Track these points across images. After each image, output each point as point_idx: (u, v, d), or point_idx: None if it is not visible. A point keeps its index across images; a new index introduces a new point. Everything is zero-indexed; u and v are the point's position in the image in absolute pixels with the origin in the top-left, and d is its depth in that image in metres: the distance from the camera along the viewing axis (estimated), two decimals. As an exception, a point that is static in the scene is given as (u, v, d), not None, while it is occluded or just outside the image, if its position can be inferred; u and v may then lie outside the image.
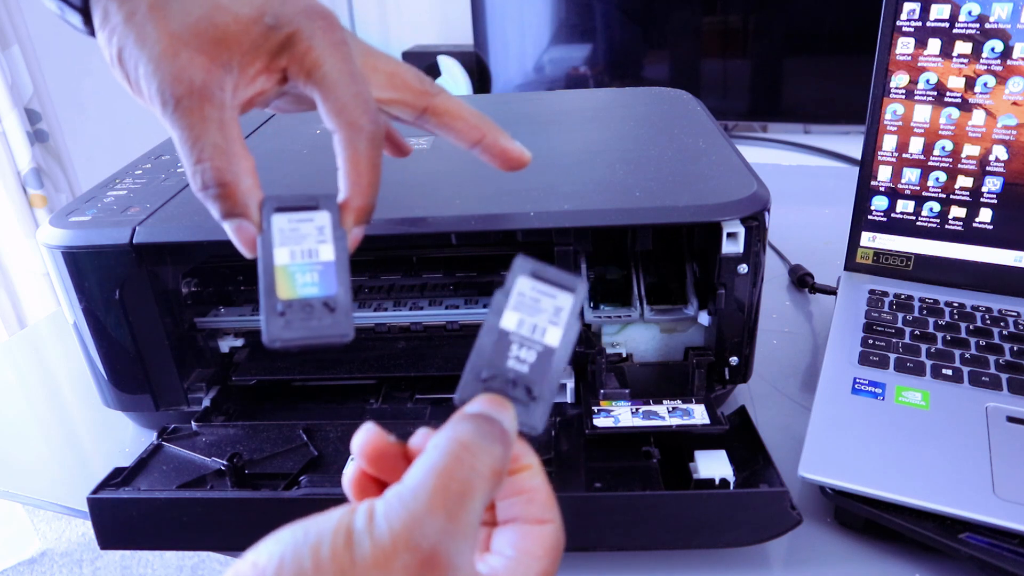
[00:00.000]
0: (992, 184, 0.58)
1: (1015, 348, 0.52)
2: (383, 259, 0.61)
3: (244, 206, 0.31)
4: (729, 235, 0.47)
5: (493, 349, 0.27)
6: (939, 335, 0.54)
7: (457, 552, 0.22)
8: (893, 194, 0.61)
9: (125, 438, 0.59)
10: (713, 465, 0.45)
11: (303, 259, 0.29)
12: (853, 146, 2.09)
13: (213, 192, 0.30)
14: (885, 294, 0.60)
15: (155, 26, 0.30)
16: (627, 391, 0.52)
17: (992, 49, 0.55)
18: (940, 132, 0.59)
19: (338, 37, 0.33)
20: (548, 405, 0.27)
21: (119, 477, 0.47)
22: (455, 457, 0.23)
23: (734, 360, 0.52)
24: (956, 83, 0.57)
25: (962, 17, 0.56)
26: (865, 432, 0.46)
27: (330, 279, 0.28)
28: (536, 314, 0.27)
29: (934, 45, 0.57)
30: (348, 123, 0.32)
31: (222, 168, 0.30)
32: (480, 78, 2.63)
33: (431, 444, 0.24)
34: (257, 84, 0.32)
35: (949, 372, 0.51)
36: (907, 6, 0.57)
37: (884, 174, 0.61)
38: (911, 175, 0.60)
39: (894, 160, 0.61)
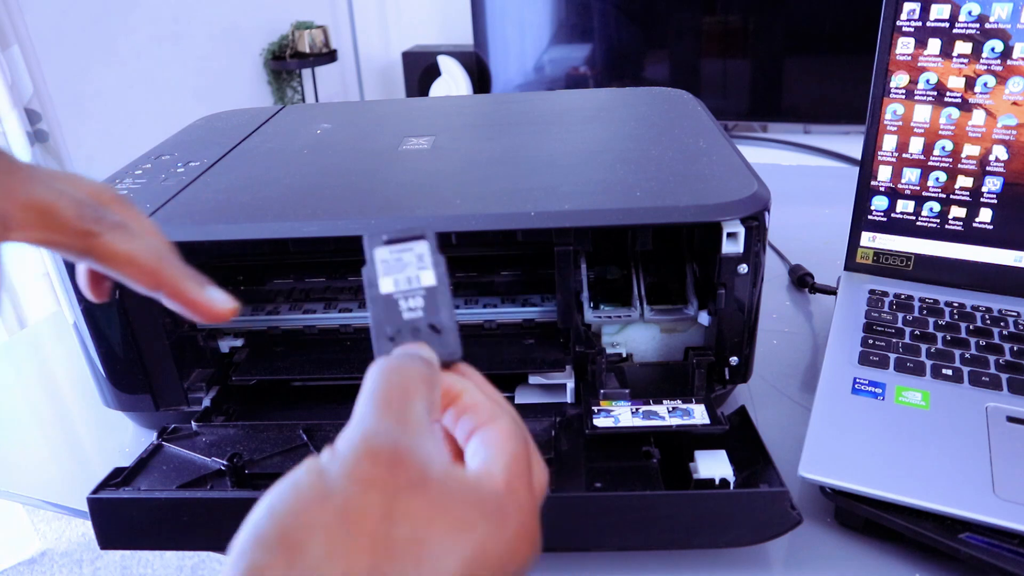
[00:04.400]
0: (992, 184, 0.58)
1: (1015, 348, 0.52)
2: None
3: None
4: (729, 235, 0.47)
5: (385, 312, 0.30)
6: (939, 335, 0.54)
7: (418, 445, 0.24)
8: (893, 194, 0.61)
9: (125, 438, 0.59)
10: (713, 465, 0.45)
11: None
12: (853, 146, 2.09)
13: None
14: (885, 294, 0.60)
15: None
16: (627, 391, 0.52)
17: (992, 49, 0.55)
18: (940, 132, 0.59)
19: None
20: (455, 330, 0.30)
21: (119, 477, 0.47)
22: (385, 377, 0.26)
23: (734, 360, 0.52)
24: (956, 83, 0.57)
25: (962, 17, 0.56)
26: (865, 432, 0.46)
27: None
28: (404, 269, 0.31)
29: (934, 45, 0.57)
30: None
31: None
32: (480, 78, 2.63)
33: (365, 378, 0.27)
34: None
35: (949, 372, 0.51)
36: (907, 6, 0.57)
37: (884, 174, 0.61)
38: (911, 175, 0.60)
39: (894, 160, 0.61)
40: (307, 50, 2.68)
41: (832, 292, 0.66)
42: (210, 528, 0.44)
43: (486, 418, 0.27)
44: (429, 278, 0.30)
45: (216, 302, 0.33)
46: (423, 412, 0.26)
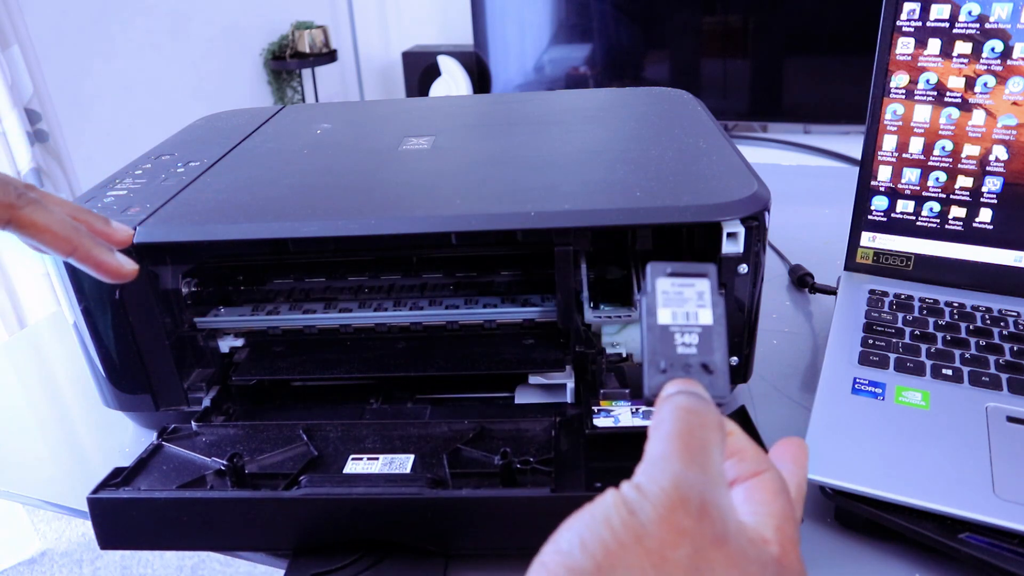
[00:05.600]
0: (992, 184, 0.58)
1: (1015, 348, 0.52)
2: (383, 259, 0.61)
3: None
4: (729, 235, 0.47)
5: (661, 343, 0.30)
6: (939, 335, 0.54)
7: (720, 496, 0.24)
8: (893, 194, 0.61)
9: (125, 438, 0.59)
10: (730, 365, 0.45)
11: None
12: (853, 146, 2.09)
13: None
14: (885, 294, 0.60)
15: None
16: (627, 391, 0.52)
17: (992, 49, 0.55)
18: (940, 132, 0.59)
19: None
20: (727, 373, 0.29)
21: (119, 477, 0.47)
22: (684, 421, 0.26)
23: (734, 360, 0.52)
24: (956, 83, 0.57)
25: (962, 17, 0.56)
26: (865, 432, 0.46)
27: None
28: (684, 303, 0.31)
29: (934, 45, 0.57)
30: None
31: None
32: (480, 78, 2.63)
33: (656, 420, 0.27)
34: None
35: (949, 372, 0.51)
36: (907, 6, 0.57)
37: (884, 174, 0.61)
38: (911, 175, 0.60)
39: (894, 160, 0.61)
40: (307, 50, 2.68)
41: (832, 292, 0.66)
42: (210, 528, 0.44)
43: (752, 468, 0.27)
44: (707, 316, 0.30)
45: (123, 264, 0.39)
46: (721, 462, 0.26)
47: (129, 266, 0.40)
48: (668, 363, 0.29)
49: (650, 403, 0.29)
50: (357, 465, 0.47)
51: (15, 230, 0.37)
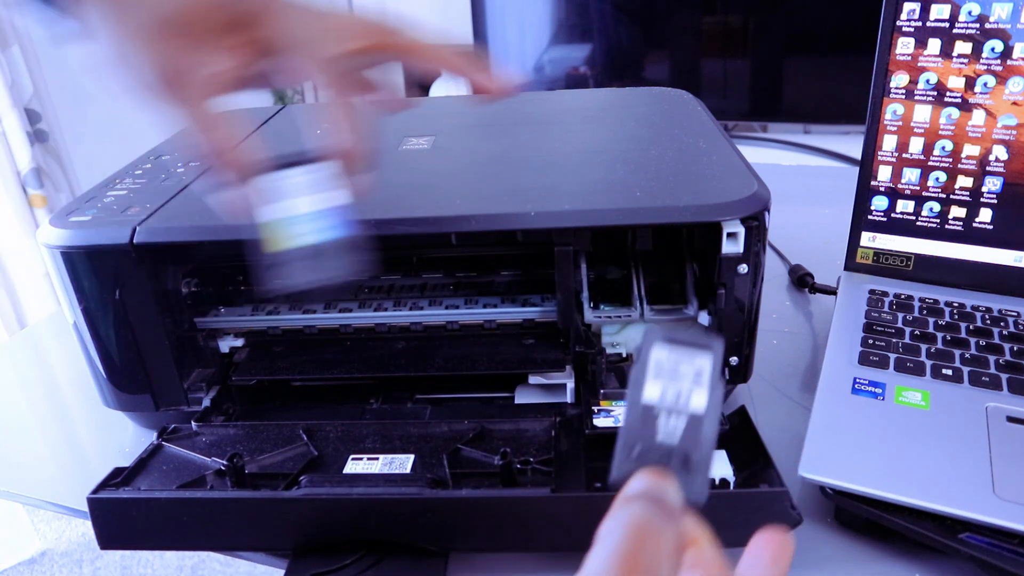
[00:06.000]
0: (992, 184, 0.58)
1: (1015, 348, 0.52)
2: (383, 259, 0.61)
3: (244, 169, 0.34)
4: (729, 235, 0.47)
5: (641, 423, 0.26)
6: (939, 335, 0.54)
7: None
8: (893, 194, 0.61)
9: (125, 438, 0.59)
10: (713, 465, 0.45)
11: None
12: (853, 146, 2.09)
13: (218, 161, 0.34)
14: (885, 294, 0.60)
15: (132, 22, 0.33)
16: (627, 391, 0.52)
17: (992, 49, 0.55)
18: (940, 132, 0.59)
19: (297, 4, 0.35)
20: (707, 473, 0.26)
21: (119, 477, 0.47)
22: (634, 540, 0.23)
23: (734, 360, 0.52)
24: (956, 83, 0.57)
25: (962, 17, 0.56)
26: (865, 432, 0.46)
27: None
28: (677, 381, 0.26)
29: (934, 45, 0.57)
30: (325, 77, 0.35)
31: (217, 139, 0.34)
32: (480, 78, 2.63)
33: (604, 531, 0.23)
34: (230, 60, 0.35)
35: (949, 372, 0.51)
36: (907, 6, 0.57)
37: (884, 174, 0.61)
38: (911, 175, 0.60)
39: (894, 160, 0.61)
40: (307, 50, 2.68)
41: (832, 292, 0.66)
42: (210, 528, 0.44)
43: None
44: (700, 401, 0.26)
45: (502, 80, 0.39)
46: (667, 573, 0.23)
47: (509, 81, 0.40)
48: (643, 449, 0.26)
49: (616, 488, 0.25)
50: (357, 465, 0.47)
51: (399, 54, 0.39)
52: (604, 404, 0.50)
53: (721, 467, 0.45)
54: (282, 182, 0.32)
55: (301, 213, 0.31)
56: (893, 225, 0.62)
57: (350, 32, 0.38)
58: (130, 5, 0.33)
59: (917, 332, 0.55)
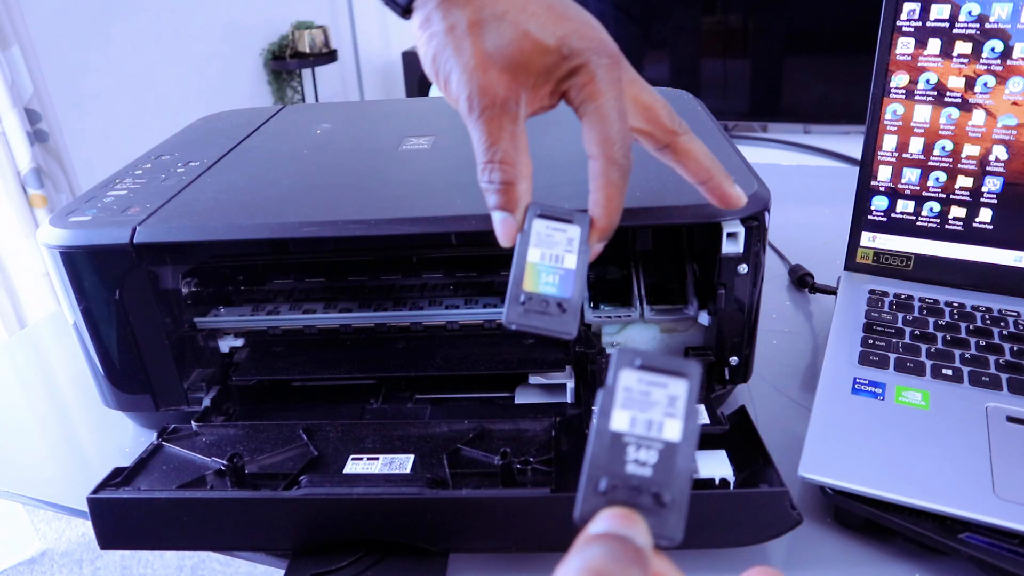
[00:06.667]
0: (992, 184, 0.58)
1: (1015, 348, 0.52)
2: (383, 259, 0.61)
3: (515, 204, 0.36)
4: (729, 235, 0.47)
5: (608, 455, 0.24)
6: (939, 335, 0.54)
7: None
8: (893, 194, 0.61)
9: (125, 438, 0.59)
10: (713, 465, 0.45)
11: (550, 262, 0.33)
12: (853, 146, 2.09)
13: (495, 187, 0.36)
14: (885, 294, 0.60)
15: (471, 43, 0.36)
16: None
17: (992, 49, 0.55)
18: (940, 132, 0.59)
19: (616, 75, 0.37)
20: (683, 510, 0.23)
21: (119, 477, 0.47)
22: (591, 567, 0.21)
23: (734, 360, 0.52)
24: (956, 83, 0.57)
25: (962, 17, 0.56)
26: (865, 432, 0.46)
27: (568, 284, 0.31)
28: (648, 408, 0.24)
29: (934, 45, 0.57)
30: (607, 156, 0.36)
31: (507, 170, 0.36)
32: (480, 78, 2.63)
33: (569, 561, 0.22)
34: (543, 102, 0.38)
35: (949, 372, 0.51)
36: (907, 6, 0.57)
37: (884, 174, 0.61)
38: (911, 175, 0.60)
39: (894, 160, 0.61)
40: (307, 50, 2.68)
41: (832, 292, 0.66)
42: (210, 528, 0.44)
43: None
44: (674, 431, 0.24)
45: (741, 197, 0.42)
46: None
47: (741, 199, 0.42)
48: (611, 483, 0.23)
49: (581, 525, 0.23)
50: (357, 465, 0.47)
51: (669, 153, 0.41)
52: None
53: (721, 467, 0.45)
54: (553, 232, 0.36)
55: (563, 266, 0.35)
56: (893, 225, 0.62)
57: (653, 116, 0.40)
58: (482, 26, 0.36)
59: (917, 332, 0.55)
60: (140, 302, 0.51)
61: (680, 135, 0.41)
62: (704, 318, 0.52)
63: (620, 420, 0.24)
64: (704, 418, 0.48)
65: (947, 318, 0.56)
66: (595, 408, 0.24)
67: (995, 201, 0.58)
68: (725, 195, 0.42)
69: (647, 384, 0.24)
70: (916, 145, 0.59)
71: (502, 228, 0.37)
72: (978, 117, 0.57)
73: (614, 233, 0.37)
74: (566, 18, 0.37)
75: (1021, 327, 0.55)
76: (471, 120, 0.37)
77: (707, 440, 0.48)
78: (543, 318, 0.34)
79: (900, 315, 0.57)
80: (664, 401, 0.24)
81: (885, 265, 0.63)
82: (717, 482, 0.44)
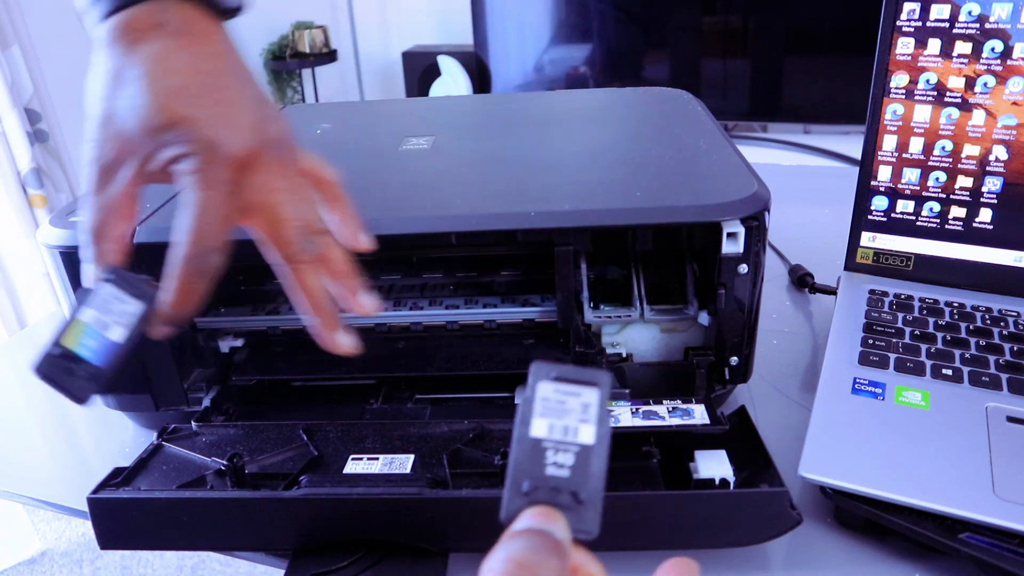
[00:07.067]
0: (992, 184, 0.58)
1: (1015, 348, 0.52)
2: (383, 259, 0.61)
3: (102, 258, 0.36)
4: (729, 235, 0.47)
5: (529, 459, 0.26)
6: (939, 335, 0.54)
7: None
8: (893, 194, 0.61)
9: (125, 438, 0.59)
10: (713, 465, 0.45)
11: (98, 326, 0.31)
12: (853, 146, 2.09)
13: (87, 237, 0.36)
14: (885, 294, 0.60)
15: (109, 93, 0.35)
16: (627, 391, 0.52)
17: (992, 49, 0.55)
18: (940, 132, 0.59)
19: (224, 177, 0.35)
20: (598, 506, 0.26)
21: (119, 477, 0.47)
22: (512, 559, 0.23)
23: (734, 360, 0.52)
24: (956, 83, 0.57)
25: (962, 17, 0.56)
26: (865, 432, 0.46)
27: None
28: (564, 416, 0.27)
29: (934, 45, 0.57)
30: (183, 251, 0.35)
31: (100, 223, 0.36)
32: (480, 78, 2.63)
33: (485, 568, 0.23)
34: (154, 176, 0.37)
35: (949, 372, 0.51)
36: (907, 6, 0.57)
37: (884, 174, 0.61)
38: (911, 175, 0.60)
39: (894, 160, 0.61)
40: (307, 50, 2.68)
41: (832, 292, 0.66)
42: (210, 528, 0.44)
43: None
44: (588, 435, 0.26)
45: (341, 345, 0.40)
46: None
47: (347, 348, 0.40)
48: (532, 485, 0.25)
49: (507, 525, 0.25)
50: (357, 465, 0.47)
51: (283, 275, 0.38)
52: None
53: (721, 467, 0.45)
54: (106, 296, 0.35)
55: (94, 327, 0.34)
56: (893, 225, 0.62)
57: (278, 235, 0.38)
58: (119, 86, 0.35)
59: (917, 332, 0.55)
60: (140, 302, 0.51)
61: (298, 265, 0.38)
62: (704, 318, 0.52)
63: (539, 427, 0.26)
64: (704, 418, 0.48)
65: (947, 318, 0.56)
66: (516, 418, 0.26)
67: (995, 201, 0.58)
68: (325, 340, 0.40)
69: (562, 394, 0.27)
70: (916, 145, 0.59)
71: (87, 277, 0.37)
72: (978, 117, 0.57)
73: (187, 320, 0.36)
74: (203, 96, 0.35)
75: (1021, 327, 0.55)
76: (84, 165, 0.36)
77: (707, 440, 0.48)
78: (66, 378, 0.35)
79: (900, 315, 0.57)
80: (578, 408, 0.27)
81: (885, 265, 0.63)
82: (717, 482, 0.44)
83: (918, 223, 0.61)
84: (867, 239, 0.63)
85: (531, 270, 0.60)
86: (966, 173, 0.59)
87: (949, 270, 0.61)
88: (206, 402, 0.55)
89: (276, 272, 0.39)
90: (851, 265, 0.64)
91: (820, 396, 0.49)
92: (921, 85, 0.58)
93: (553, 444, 0.26)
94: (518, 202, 0.49)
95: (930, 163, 0.59)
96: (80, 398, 0.34)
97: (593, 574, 0.25)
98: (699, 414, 0.49)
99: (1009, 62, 0.55)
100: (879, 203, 0.62)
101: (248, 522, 0.44)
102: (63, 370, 0.34)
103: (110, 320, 0.35)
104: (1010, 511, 0.40)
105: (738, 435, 0.49)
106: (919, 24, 0.57)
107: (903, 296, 0.59)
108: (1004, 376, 0.50)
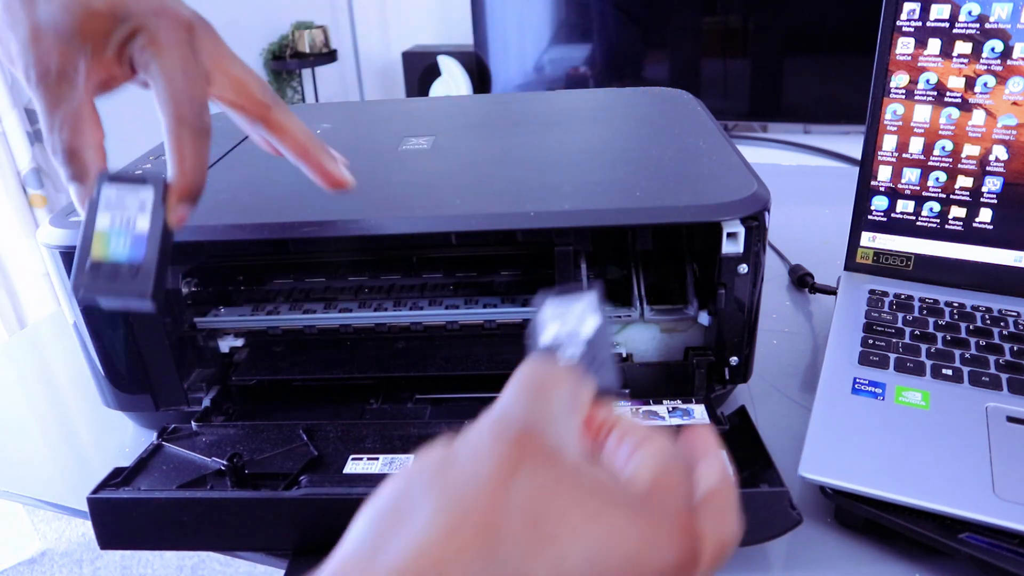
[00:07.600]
0: (992, 184, 0.58)
1: (1015, 348, 0.52)
2: (383, 259, 0.61)
3: (84, 172, 0.36)
4: (729, 235, 0.47)
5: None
6: (939, 335, 0.54)
7: (550, 428, 0.23)
8: (893, 194, 0.61)
9: (125, 438, 0.59)
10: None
11: (120, 226, 0.33)
12: (853, 146, 2.09)
13: (61, 157, 0.36)
14: (885, 294, 0.60)
15: (25, 15, 0.36)
16: (627, 391, 0.52)
17: (992, 49, 0.55)
18: (940, 132, 0.59)
19: (181, 36, 0.36)
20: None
21: (119, 477, 0.46)
22: (530, 368, 0.26)
23: (734, 360, 0.52)
24: (956, 83, 0.57)
25: (962, 17, 0.56)
26: (865, 432, 0.46)
27: (140, 247, 0.32)
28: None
29: (934, 45, 0.57)
30: (176, 115, 0.36)
31: (69, 139, 0.36)
32: (480, 78, 2.63)
33: (512, 380, 0.26)
34: (108, 70, 0.37)
35: (949, 372, 0.51)
36: (907, 6, 0.57)
37: (884, 174, 0.61)
38: (911, 175, 0.60)
39: (894, 160, 0.61)
40: (307, 50, 2.68)
41: (832, 292, 0.66)
42: (210, 528, 0.44)
43: (645, 437, 0.25)
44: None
45: (344, 176, 0.43)
46: (563, 401, 0.24)
47: (349, 178, 0.43)
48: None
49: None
50: (357, 465, 0.47)
51: (263, 127, 0.41)
52: (604, 404, 0.50)
53: (721, 467, 0.45)
54: (125, 196, 0.36)
55: (135, 230, 0.35)
56: (893, 225, 0.62)
57: (243, 88, 0.40)
58: (32, 3, 0.35)
59: (917, 332, 0.55)
60: (140, 302, 0.51)
61: (272, 109, 0.41)
62: (704, 318, 0.52)
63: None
64: (703, 418, 0.48)
65: (947, 318, 0.56)
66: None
67: (995, 201, 0.58)
68: (327, 173, 0.42)
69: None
70: (916, 145, 0.60)
71: (78, 198, 0.36)
72: (978, 117, 0.57)
73: (202, 194, 0.37)
74: None
75: (1021, 327, 0.55)
76: (31, 91, 0.36)
77: (707, 440, 0.48)
78: (113, 285, 0.34)
79: (900, 315, 0.57)
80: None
81: (885, 265, 0.63)
82: (717, 482, 0.44)
83: (918, 223, 0.61)
84: (867, 239, 0.63)
85: (531, 270, 0.60)
86: (966, 173, 0.59)
87: (949, 270, 0.61)
88: (206, 402, 0.55)
89: (254, 139, 0.42)
90: (851, 265, 0.64)
91: (820, 396, 0.49)
92: (921, 85, 0.58)
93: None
94: (518, 202, 0.49)
95: (930, 163, 0.59)
96: (143, 295, 0.34)
97: (624, 416, 0.27)
98: (699, 414, 0.49)
99: (1009, 62, 0.55)
100: (879, 203, 0.62)
101: (248, 522, 0.44)
102: (107, 282, 0.34)
103: (129, 215, 0.35)
104: (1010, 511, 0.40)
105: (738, 435, 0.49)
106: (919, 24, 0.57)
107: (903, 296, 0.59)
108: (1004, 376, 0.50)
